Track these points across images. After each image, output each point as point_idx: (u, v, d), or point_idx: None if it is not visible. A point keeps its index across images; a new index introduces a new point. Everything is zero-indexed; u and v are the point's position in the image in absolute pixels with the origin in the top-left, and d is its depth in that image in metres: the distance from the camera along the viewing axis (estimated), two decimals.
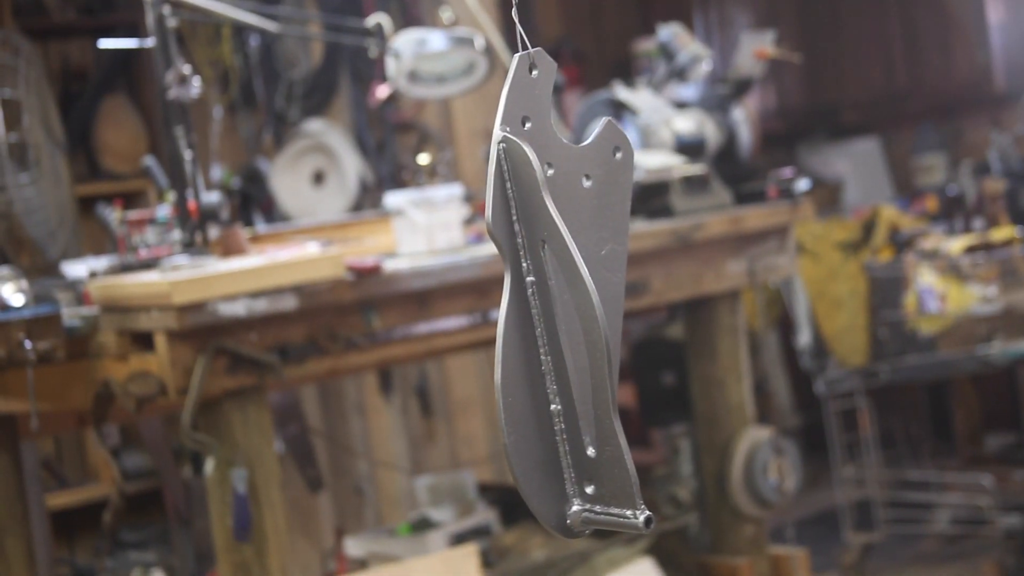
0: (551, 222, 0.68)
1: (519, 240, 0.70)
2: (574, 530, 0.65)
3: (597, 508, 0.65)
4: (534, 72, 0.76)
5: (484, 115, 5.24)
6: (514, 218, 0.70)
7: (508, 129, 0.72)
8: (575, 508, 0.66)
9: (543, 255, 0.69)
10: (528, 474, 0.65)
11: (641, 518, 0.62)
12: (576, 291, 0.67)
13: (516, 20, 0.79)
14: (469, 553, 3.34)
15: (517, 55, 0.75)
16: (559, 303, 0.69)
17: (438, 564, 3.30)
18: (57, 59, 5.17)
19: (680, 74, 3.80)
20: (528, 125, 0.73)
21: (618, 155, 0.77)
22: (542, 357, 0.68)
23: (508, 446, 0.65)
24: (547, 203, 0.68)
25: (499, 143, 0.70)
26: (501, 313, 0.67)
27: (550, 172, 0.70)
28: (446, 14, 4.03)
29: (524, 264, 0.70)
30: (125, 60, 5.17)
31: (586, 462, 0.66)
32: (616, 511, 0.64)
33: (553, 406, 0.67)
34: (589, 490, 0.66)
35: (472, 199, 3.89)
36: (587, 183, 0.74)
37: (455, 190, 3.37)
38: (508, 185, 0.70)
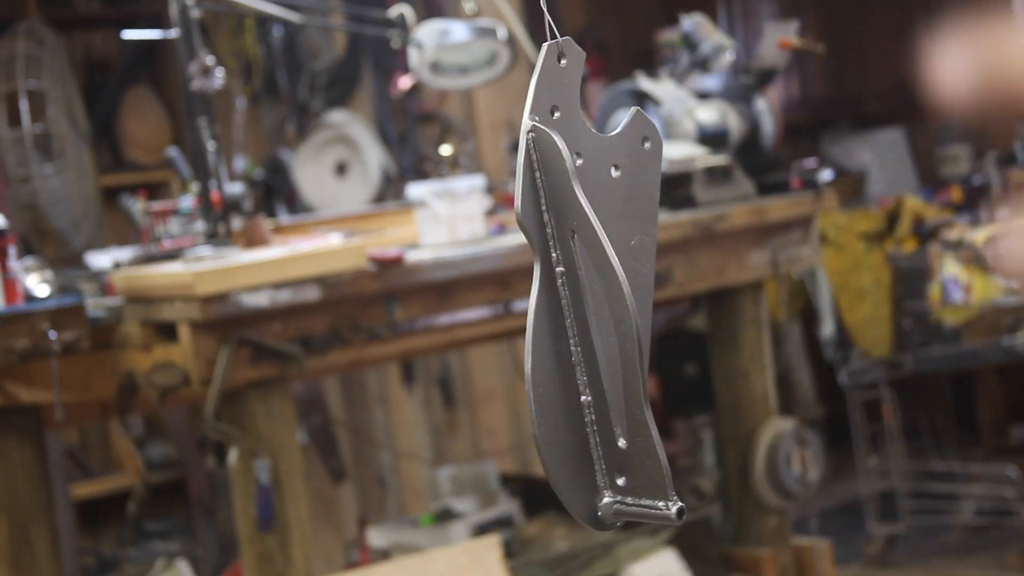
0: (581, 212, 0.68)
1: (548, 230, 0.70)
2: (605, 522, 0.64)
3: (628, 500, 0.65)
4: (563, 61, 0.76)
5: (506, 106, 5.24)
6: (543, 208, 0.70)
7: (537, 118, 0.71)
8: (606, 500, 0.65)
9: (573, 245, 0.69)
10: (559, 466, 0.65)
11: (673, 509, 0.62)
12: (607, 281, 0.67)
13: (544, 8, 0.78)
14: (491, 544, 3.34)
15: (546, 44, 0.74)
16: (589, 293, 0.68)
17: (460, 554, 3.30)
18: (81, 50, 5.19)
19: (703, 64, 3.79)
20: (557, 114, 0.73)
21: (647, 145, 0.77)
22: (572, 348, 0.67)
23: (539, 437, 0.65)
24: (577, 193, 0.68)
25: (528, 132, 0.69)
26: (531, 304, 0.67)
27: (579, 162, 0.70)
28: (468, 5, 4.02)
29: (554, 254, 0.69)
30: (149, 51, 5.19)
31: (617, 453, 0.66)
32: (648, 503, 0.64)
33: (583, 397, 0.67)
34: (620, 482, 0.65)
35: (494, 190, 3.89)
36: (616, 173, 0.74)
37: (477, 181, 3.37)
38: (537, 175, 0.70)
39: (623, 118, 0.79)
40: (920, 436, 5.38)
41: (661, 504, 0.63)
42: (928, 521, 4.88)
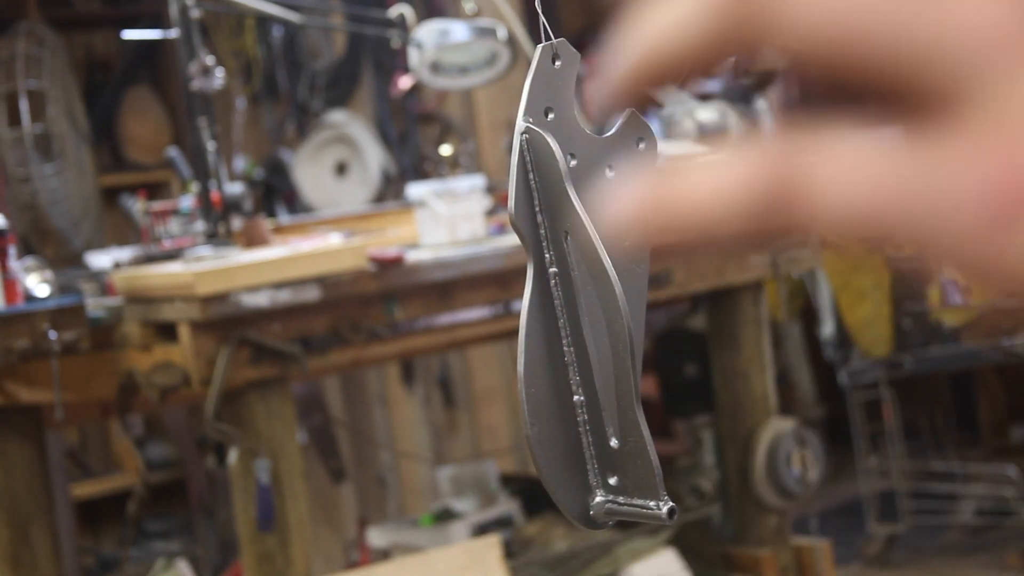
0: (574, 213, 0.68)
1: (542, 231, 0.70)
2: (597, 521, 0.65)
3: (620, 499, 0.65)
4: (557, 62, 0.76)
5: (506, 106, 5.24)
6: (537, 209, 0.70)
7: (531, 120, 0.71)
8: (598, 499, 0.66)
9: (566, 246, 0.69)
10: (551, 465, 0.65)
11: (664, 509, 0.62)
12: (599, 282, 0.67)
13: (539, 10, 0.79)
14: (492, 544, 3.34)
15: (540, 45, 0.74)
16: (582, 294, 0.69)
17: (460, 555, 3.31)
18: (81, 50, 5.19)
19: None
20: (551, 116, 0.73)
21: (642, 146, 0.77)
22: (565, 348, 0.68)
23: (531, 437, 0.65)
24: (570, 194, 0.68)
25: (522, 134, 0.70)
26: (524, 304, 0.67)
27: (573, 163, 0.70)
28: (468, 5, 4.02)
29: (547, 255, 0.70)
30: (149, 51, 5.19)
31: (609, 453, 0.66)
32: (639, 502, 0.64)
33: (576, 397, 0.67)
34: (612, 481, 0.66)
35: (494, 190, 3.89)
36: (611, 173, 0.74)
37: (477, 181, 3.37)
38: (531, 176, 0.70)
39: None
40: (920, 436, 5.38)
41: (652, 504, 0.63)
42: (928, 521, 4.88)
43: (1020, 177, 0.32)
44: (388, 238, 3.39)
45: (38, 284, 2.95)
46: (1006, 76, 0.32)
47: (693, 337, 5.13)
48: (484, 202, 3.36)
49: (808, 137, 0.34)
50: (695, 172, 0.36)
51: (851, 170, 0.34)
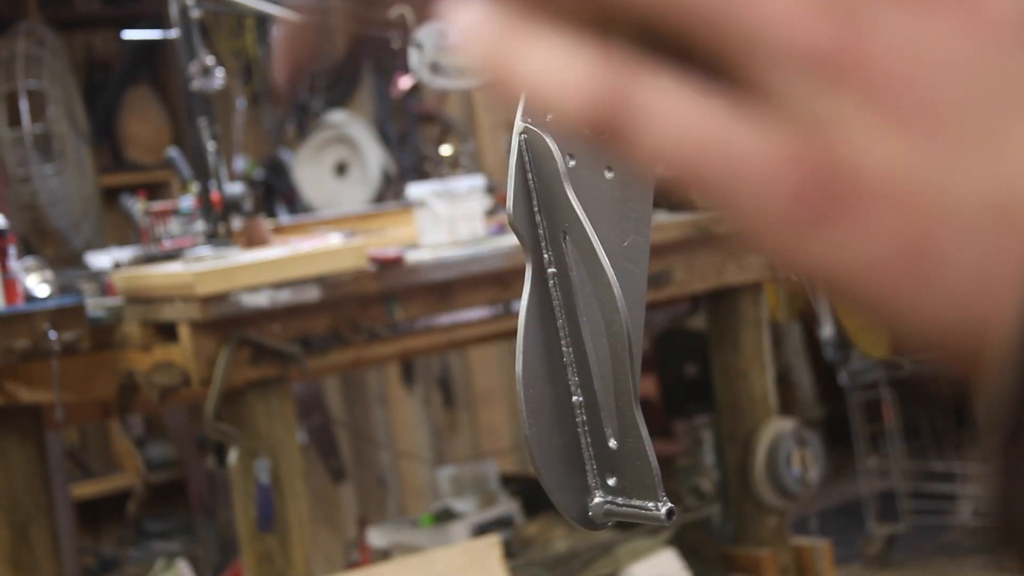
0: (572, 213, 0.68)
1: (540, 231, 0.70)
2: (596, 522, 0.65)
3: (619, 500, 0.65)
4: None
5: (506, 107, 5.24)
6: (535, 209, 0.70)
7: (530, 120, 0.71)
8: (597, 500, 0.66)
9: (564, 246, 0.69)
10: (550, 466, 0.65)
11: (663, 510, 0.62)
12: (597, 282, 0.67)
13: None
14: (492, 544, 3.34)
15: None
16: (580, 294, 0.68)
17: (461, 555, 3.31)
18: (81, 50, 5.19)
19: None
20: (550, 116, 0.73)
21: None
22: (563, 348, 0.68)
23: (529, 438, 0.65)
24: (569, 195, 0.68)
25: (520, 134, 0.70)
26: (522, 304, 0.67)
27: (572, 163, 0.70)
28: None
29: (545, 255, 0.70)
30: (149, 51, 5.19)
31: (608, 454, 0.66)
32: (638, 503, 0.64)
33: (575, 397, 0.67)
34: (611, 482, 0.66)
35: (494, 190, 3.89)
36: (609, 174, 0.74)
37: (477, 181, 3.37)
38: (529, 176, 0.70)
39: None
40: (920, 436, 5.38)
41: (651, 504, 0.63)
42: (928, 521, 4.88)
43: (825, 183, 0.33)
44: (388, 238, 3.39)
45: (38, 284, 2.95)
46: (815, 83, 0.33)
47: (693, 337, 5.13)
48: (484, 202, 3.36)
49: (644, 69, 0.35)
50: (541, 50, 0.36)
51: (678, 111, 0.34)
